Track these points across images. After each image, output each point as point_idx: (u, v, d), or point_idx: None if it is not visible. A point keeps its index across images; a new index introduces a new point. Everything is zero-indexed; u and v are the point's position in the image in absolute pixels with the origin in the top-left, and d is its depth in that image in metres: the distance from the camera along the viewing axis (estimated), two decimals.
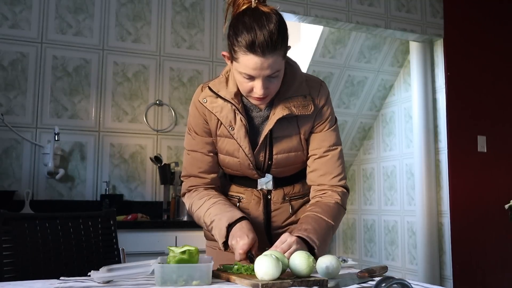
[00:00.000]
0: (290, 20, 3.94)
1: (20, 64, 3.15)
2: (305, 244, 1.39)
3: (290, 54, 1.47)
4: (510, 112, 4.35)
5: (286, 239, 1.37)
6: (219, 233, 1.47)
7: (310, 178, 1.58)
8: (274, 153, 1.53)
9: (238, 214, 1.47)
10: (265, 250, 1.31)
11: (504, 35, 4.40)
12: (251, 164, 1.53)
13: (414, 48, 4.34)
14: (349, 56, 4.65)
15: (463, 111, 4.16)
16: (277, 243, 1.37)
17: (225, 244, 1.46)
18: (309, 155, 1.57)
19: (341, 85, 4.79)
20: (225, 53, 1.44)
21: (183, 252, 1.23)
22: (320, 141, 1.55)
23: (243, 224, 1.44)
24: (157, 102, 3.44)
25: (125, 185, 3.31)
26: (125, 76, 3.39)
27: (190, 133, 1.59)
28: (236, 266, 1.32)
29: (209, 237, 1.66)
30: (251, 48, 1.33)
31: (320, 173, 1.55)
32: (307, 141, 1.57)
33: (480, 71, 4.25)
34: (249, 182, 1.60)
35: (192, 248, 1.25)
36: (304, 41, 4.68)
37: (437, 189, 4.15)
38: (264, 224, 1.58)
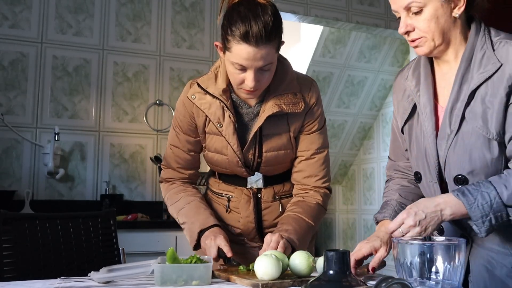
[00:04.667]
0: (290, 20, 3.94)
1: (20, 64, 3.15)
2: None
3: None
4: None
5: (271, 238, 1.37)
6: (191, 236, 1.50)
7: (295, 178, 1.59)
8: (263, 150, 1.52)
9: (211, 221, 1.49)
10: (257, 247, 1.32)
11: None
12: (239, 162, 1.52)
13: None
14: (349, 56, 4.65)
15: None
16: (264, 246, 1.37)
17: (196, 246, 1.50)
18: (297, 155, 1.57)
19: (341, 85, 4.79)
20: (217, 43, 1.44)
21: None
22: (309, 143, 1.55)
23: (215, 229, 1.47)
24: (157, 102, 3.44)
25: (125, 185, 3.31)
26: (125, 76, 3.39)
27: (175, 129, 1.62)
28: (241, 267, 1.33)
29: None
30: (245, 37, 1.33)
31: (305, 175, 1.56)
32: (296, 139, 1.56)
33: None
34: (239, 181, 1.59)
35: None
36: (304, 41, 4.67)
37: None
38: (256, 223, 1.57)
